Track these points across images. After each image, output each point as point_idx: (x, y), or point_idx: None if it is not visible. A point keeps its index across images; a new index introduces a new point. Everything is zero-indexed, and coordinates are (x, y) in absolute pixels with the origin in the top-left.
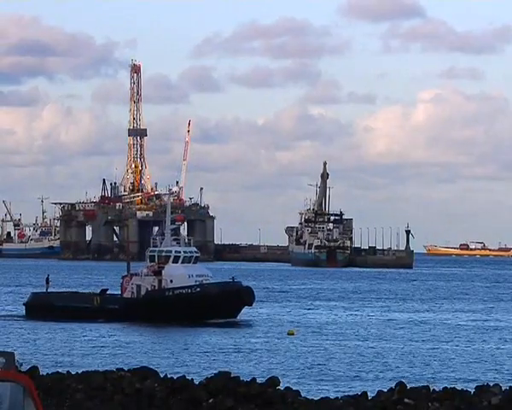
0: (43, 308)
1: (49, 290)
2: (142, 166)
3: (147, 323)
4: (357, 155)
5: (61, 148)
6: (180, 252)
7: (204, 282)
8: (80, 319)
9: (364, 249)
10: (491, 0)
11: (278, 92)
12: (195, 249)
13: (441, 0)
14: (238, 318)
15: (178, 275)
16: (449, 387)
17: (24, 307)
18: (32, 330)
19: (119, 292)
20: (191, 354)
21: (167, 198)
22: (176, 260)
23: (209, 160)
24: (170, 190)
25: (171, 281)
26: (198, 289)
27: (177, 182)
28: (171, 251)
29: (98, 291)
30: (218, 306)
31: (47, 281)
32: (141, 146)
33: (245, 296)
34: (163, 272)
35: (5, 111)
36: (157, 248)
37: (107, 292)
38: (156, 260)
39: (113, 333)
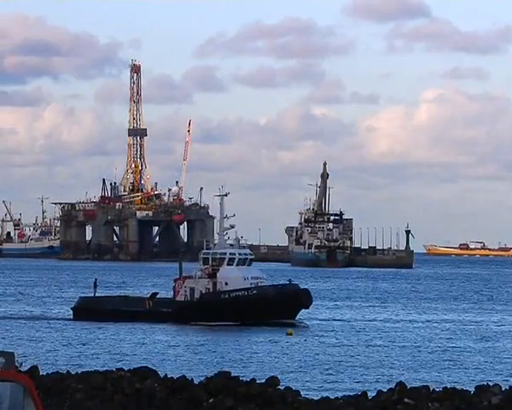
0: (92, 312)
1: (96, 294)
2: (142, 166)
3: (201, 326)
4: (359, 155)
5: (62, 148)
6: (235, 254)
7: (259, 284)
8: (132, 322)
9: (364, 249)
10: (495, 0)
11: (281, 92)
12: (249, 251)
13: (446, 0)
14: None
15: (234, 277)
16: (449, 387)
17: (71, 310)
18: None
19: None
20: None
21: (220, 200)
22: (230, 262)
23: (210, 160)
24: (220, 189)
25: (227, 283)
26: (255, 292)
27: (177, 182)
28: (225, 253)
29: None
30: (276, 309)
31: (95, 285)
32: (141, 146)
33: (303, 299)
34: (218, 274)
35: (8, 111)
36: (211, 251)
37: (157, 295)
38: (210, 262)
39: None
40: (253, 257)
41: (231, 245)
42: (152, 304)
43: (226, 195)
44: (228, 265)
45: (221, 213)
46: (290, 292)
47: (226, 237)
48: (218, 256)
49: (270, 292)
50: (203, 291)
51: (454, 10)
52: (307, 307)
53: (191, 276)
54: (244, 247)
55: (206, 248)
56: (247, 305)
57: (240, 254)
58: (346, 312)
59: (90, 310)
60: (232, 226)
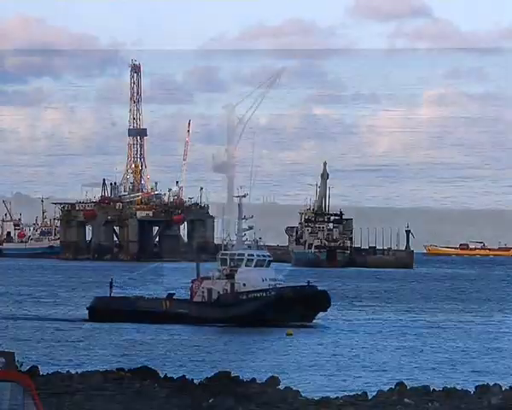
0: (108, 312)
1: (112, 295)
2: (142, 166)
3: (211, 326)
4: (360, 155)
5: (62, 148)
6: (253, 255)
7: (278, 286)
8: (149, 323)
9: (364, 249)
10: (496, 1)
11: (283, 92)
12: (268, 253)
13: (447, 0)
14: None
15: (252, 278)
16: (449, 387)
17: (87, 310)
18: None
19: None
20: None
21: (239, 201)
22: (249, 263)
23: (210, 160)
24: (239, 190)
25: (245, 284)
26: (273, 293)
27: (177, 182)
28: (243, 254)
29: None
30: (294, 310)
31: (111, 285)
32: (141, 146)
33: (321, 301)
34: (236, 275)
35: (9, 111)
36: (229, 252)
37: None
38: (228, 263)
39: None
40: (271, 258)
41: (249, 246)
42: (169, 305)
43: (245, 196)
44: (246, 266)
45: (239, 214)
46: (309, 294)
47: (244, 239)
48: (236, 257)
49: (288, 294)
50: (221, 292)
51: (455, 10)
52: (325, 310)
53: (209, 277)
54: (262, 248)
55: (224, 249)
56: (265, 306)
57: (258, 255)
58: (346, 312)
59: (106, 310)
60: (250, 227)
